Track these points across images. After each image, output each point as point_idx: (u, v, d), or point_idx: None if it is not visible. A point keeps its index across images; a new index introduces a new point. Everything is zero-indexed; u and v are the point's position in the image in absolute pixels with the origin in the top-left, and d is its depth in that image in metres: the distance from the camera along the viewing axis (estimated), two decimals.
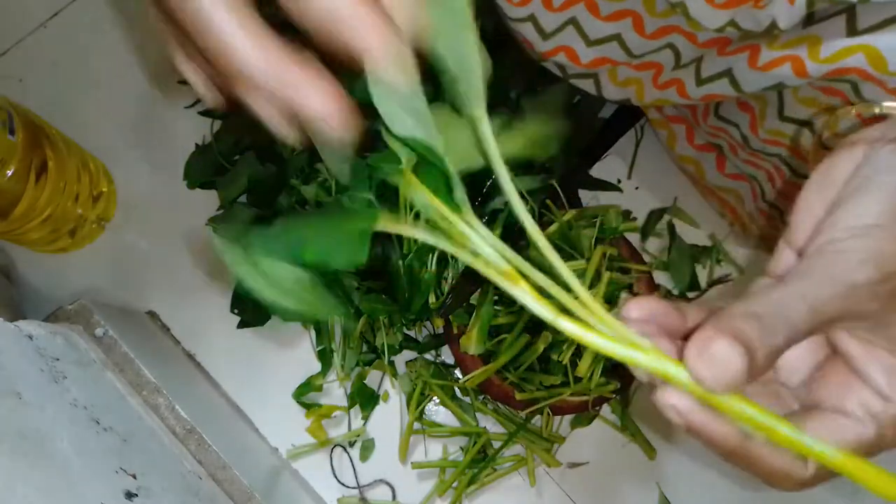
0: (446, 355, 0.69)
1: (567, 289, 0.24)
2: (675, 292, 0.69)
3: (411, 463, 0.67)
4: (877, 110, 0.28)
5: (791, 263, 0.29)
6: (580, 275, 0.60)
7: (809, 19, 0.40)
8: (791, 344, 0.23)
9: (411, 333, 0.69)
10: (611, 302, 0.61)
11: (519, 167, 0.64)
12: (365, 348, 0.68)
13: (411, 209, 0.29)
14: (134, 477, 0.46)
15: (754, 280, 0.30)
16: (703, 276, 0.69)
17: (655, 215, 0.71)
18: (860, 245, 0.24)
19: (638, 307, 0.25)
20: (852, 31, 0.38)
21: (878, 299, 0.24)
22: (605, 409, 0.67)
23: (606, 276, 0.60)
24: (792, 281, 0.24)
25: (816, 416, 0.25)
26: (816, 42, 0.40)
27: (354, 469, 0.67)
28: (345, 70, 0.24)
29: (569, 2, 0.51)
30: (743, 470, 0.25)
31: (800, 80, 0.42)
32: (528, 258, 0.24)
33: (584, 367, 0.60)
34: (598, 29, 0.52)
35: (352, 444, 0.68)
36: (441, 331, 0.66)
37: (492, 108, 0.27)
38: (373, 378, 0.69)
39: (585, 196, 0.71)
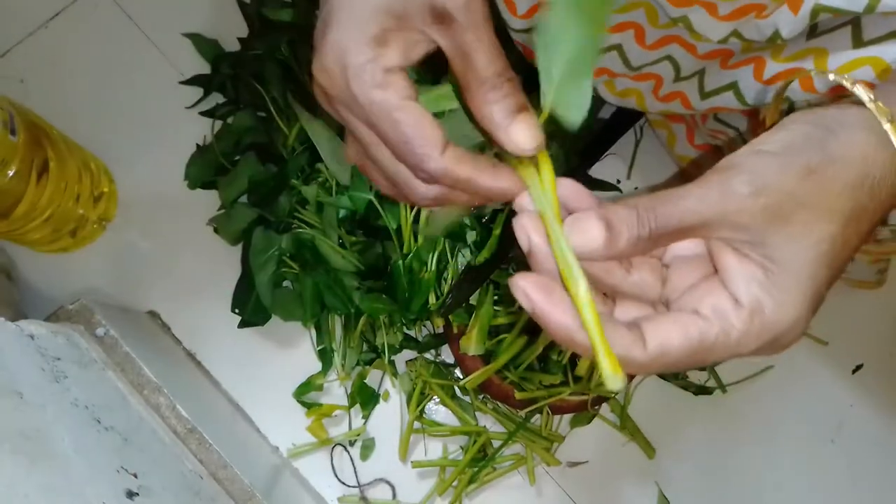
0: (446, 355, 0.69)
1: None
2: None
3: (411, 462, 0.67)
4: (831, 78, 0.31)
5: None
6: None
7: (813, 30, 0.40)
8: (662, 237, 0.27)
9: (411, 333, 0.69)
10: None
11: None
12: (365, 348, 0.68)
13: None
14: (135, 476, 0.46)
15: None
16: None
17: None
18: (745, 162, 0.27)
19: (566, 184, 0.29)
20: (858, 42, 0.38)
21: (748, 213, 0.26)
22: (605, 409, 0.68)
23: None
24: (682, 188, 0.27)
25: (669, 313, 0.27)
26: (823, 55, 0.40)
27: (355, 468, 0.67)
28: None
29: None
30: (584, 354, 0.27)
31: (807, 94, 0.41)
32: None
33: (583, 366, 0.61)
34: None
35: (352, 443, 0.68)
36: (441, 330, 0.66)
37: None
38: (373, 377, 0.69)
39: None
